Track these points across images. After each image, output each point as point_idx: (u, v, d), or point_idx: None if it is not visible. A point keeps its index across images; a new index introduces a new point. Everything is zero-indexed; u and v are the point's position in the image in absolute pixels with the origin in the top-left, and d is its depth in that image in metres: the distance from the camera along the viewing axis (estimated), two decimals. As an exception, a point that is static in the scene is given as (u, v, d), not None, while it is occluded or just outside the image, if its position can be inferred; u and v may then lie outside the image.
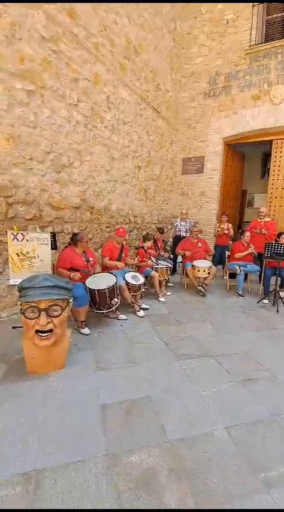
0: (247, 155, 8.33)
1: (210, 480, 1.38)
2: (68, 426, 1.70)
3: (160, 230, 5.30)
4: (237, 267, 4.64)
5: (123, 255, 3.91)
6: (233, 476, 1.41)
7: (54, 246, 3.24)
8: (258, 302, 4.31)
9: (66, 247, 3.32)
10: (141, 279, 3.79)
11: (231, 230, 5.77)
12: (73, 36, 3.83)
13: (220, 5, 6.62)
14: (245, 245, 4.83)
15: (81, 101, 4.09)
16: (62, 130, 3.79)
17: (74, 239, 3.23)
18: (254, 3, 6.18)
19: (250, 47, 6.28)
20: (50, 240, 2.77)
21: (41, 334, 2.09)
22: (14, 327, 2.88)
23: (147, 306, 3.86)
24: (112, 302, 3.14)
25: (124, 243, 4.01)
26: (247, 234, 4.84)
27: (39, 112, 3.42)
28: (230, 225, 5.83)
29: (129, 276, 3.66)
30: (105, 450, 1.53)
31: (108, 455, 1.50)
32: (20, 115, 3.19)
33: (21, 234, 2.70)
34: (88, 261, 3.26)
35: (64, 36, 3.67)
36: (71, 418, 1.77)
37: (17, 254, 2.68)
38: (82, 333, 2.97)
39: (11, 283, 2.66)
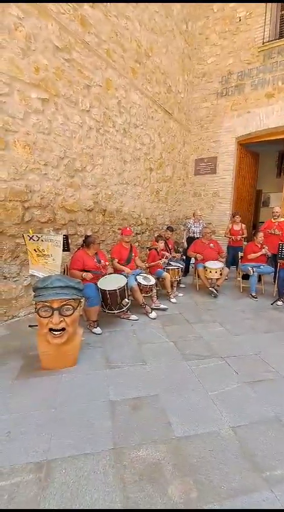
0: (262, 154, 8.17)
1: (213, 476, 1.42)
2: (77, 420, 1.78)
3: (170, 229, 5.16)
4: (250, 268, 4.58)
5: (133, 255, 3.96)
6: (236, 473, 1.44)
7: (66, 248, 3.36)
8: (272, 304, 4.24)
9: (78, 249, 3.44)
10: (152, 280, 3.84)
11: (244, 231, 5.69)
12: (85, 44, 3.95)
13: (232, 3, 6.57)
14: (259, 246, 4.76)
15: (93, 107, 4.20)
16: (75, 135, 3.93)
17: (86, 241, 3.34)
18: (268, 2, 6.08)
19: (263, 44, 6.18)
20: (62, 243, 2.89)
21: (54, 332, 2.20)
22: (30, 326, 3.02)
23: (165, 306, 3.90)
24: (123, 303, 3.22)
25: (136, 244, 4.05)
26: (260, 234, 4.77)
27: (53, 119, 3.56)
28: (243, 225, 5.73)
29: (140, 277, 3.72)
30: (113, 444, 1.60)
31: (115, 449, 1.57)
32: (35, 123, 3.34)
33: (36, 236, 2.84)
34: (99, 262, 3.36)
35: (76, 45, 3.80)
36: (81, 412, 1.85)
37: (35, 250, 2.84)
38: (94, 332, 3.07)
39: (30, 273, 2.84)
